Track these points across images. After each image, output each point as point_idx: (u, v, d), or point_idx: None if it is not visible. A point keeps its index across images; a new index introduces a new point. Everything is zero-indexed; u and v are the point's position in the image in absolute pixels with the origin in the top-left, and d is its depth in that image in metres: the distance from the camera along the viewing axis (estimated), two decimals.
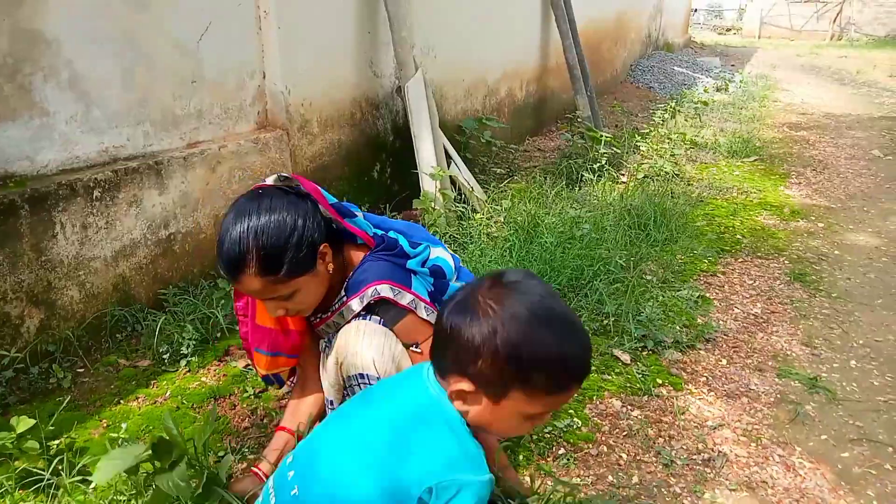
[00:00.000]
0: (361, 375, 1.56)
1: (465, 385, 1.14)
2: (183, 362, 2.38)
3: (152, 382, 2.30)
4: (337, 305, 1.62)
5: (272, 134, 3.14)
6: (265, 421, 2.10)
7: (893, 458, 2.06)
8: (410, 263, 1.61)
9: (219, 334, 2.55)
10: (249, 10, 2.99)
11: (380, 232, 1.65)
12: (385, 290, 1.53)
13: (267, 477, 1.67)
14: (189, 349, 2.41)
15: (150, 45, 2.57)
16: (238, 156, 2.95)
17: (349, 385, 1.61)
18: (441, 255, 1.72)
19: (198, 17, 2.74)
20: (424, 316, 1.56)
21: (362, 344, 1.54)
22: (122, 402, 2.19)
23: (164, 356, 2.39)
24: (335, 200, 1.61)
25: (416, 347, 1.58)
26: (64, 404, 2.04)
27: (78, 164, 2.40)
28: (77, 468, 1.79)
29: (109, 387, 2.27)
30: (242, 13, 2.95)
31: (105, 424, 2.06)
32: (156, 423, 2.06)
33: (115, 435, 1.98)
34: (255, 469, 1.73)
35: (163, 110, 2.67)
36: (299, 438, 1.75)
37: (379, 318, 1.58)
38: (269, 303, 1.51)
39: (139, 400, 2.20)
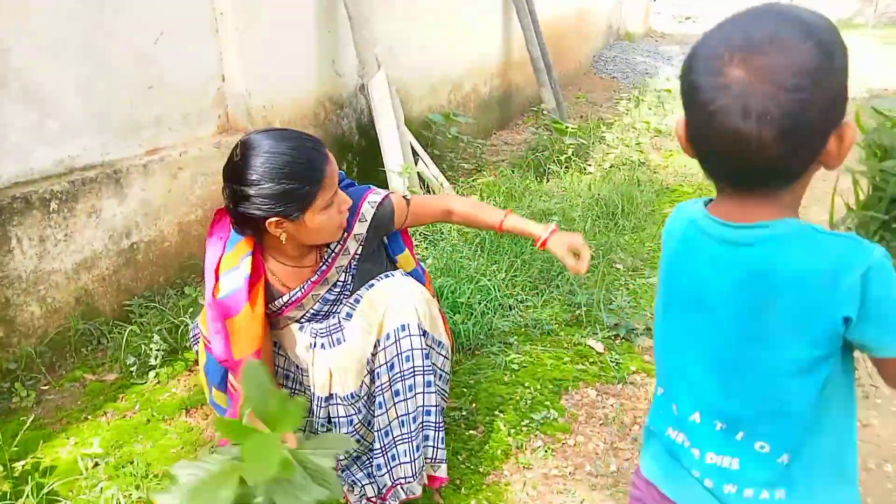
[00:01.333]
0: (403, 327, 1.56)
1: None
2: (152, 374, 2.33)
3: (120, 396, 2.24)
4: (339, 245, 1.64)
5: (234, 137, 3.08)
6: None
7: (861, 432, 2.11)
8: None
9: (187, 344, 2.50)
10: (205, 12, 2.93)
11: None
12: (376, 195, 1.70)
13: None
14: (157, 360, 2.36)
15: (106, 52, 2.50)
16: (200, 161, 2.89)
17: (386, 343, 1.56)
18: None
19: (153, 22, 2.68)
20: (394, 199, 1.73)
21: (401, 294, 1.60)
22: (89, 417, 2.13)
23: (132, 369, 2.33)
24: None
25: (408, 195, 1.79)
26: (28, 423, 1.98)
27: (33, 175, 2.33)
28: (45, 490, 1.73)
29: (76, 403, 2.21)
30: (198, 16, 2.89)
31: (73, 442, 2.01)
32: (126, 437, 2.01)
33: (87, 451, 1.93)
34: None
35: (120, 118, 2.60)
36: None
37: (399, 271, 1.73)
38: (331, 210, 1.54)
39: (108, 415, 2.15)
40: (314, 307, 1.68)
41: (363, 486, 1.69)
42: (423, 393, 1.60)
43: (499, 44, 6.28)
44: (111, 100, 2.55)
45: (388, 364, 1.57)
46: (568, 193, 4.11)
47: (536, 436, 2.04)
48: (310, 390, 1.70)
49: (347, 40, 3.77)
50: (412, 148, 3.98)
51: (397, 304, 1.57)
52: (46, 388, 2.27)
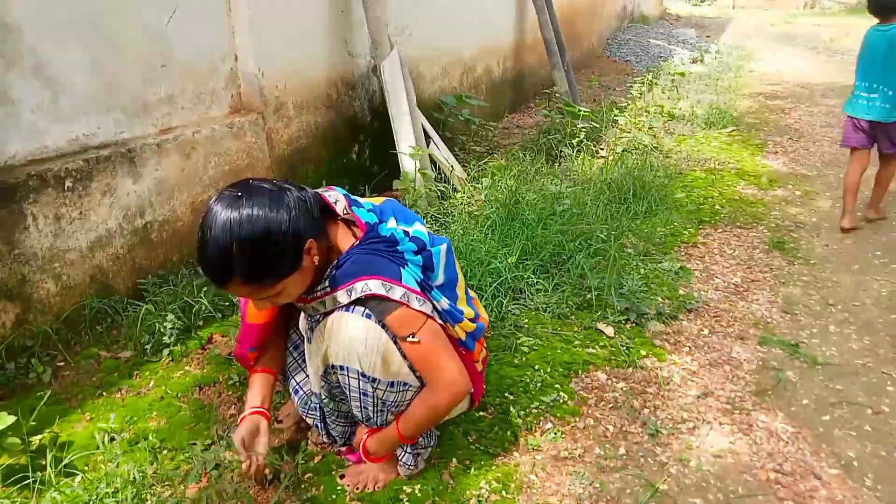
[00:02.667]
0: (342, 367, 1.54)
1: None
2: (165, 352, 2.35)
3: (135, 373, 2.27)
4: (320, 293, 1.54)
5: (247, 118, 3.08)
6: None
7: (872, 419, 2.11)
8: (403, 247, 1.55)
9: (201, 322, 2.52)
10: None
11: (374, 220, 1.57)
12: (375, 286, 1.46)
13: (268, 415, 1.71)
14: (171, 338, 2.38)
15: (117, 30, 2.50)
16: (213, 141, 2.89)
17: (332, 372, 1.59)
18: (420, 228, 1.68)
19: (165, 1, 2.67)
20: (417, 307, 1.50)
21: (344, 337, 1.50)
22: (104, 394, 2.16)
23: (146, 346, 2.36)
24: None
25: (412, 338, 1.51)
26: (45, 399, 2.01)
27: (47, 153, 2.34)
28: (62, 463, 1.76)
29: (91, 379, 2.24)
30: None
31: (88, 417, 2.04)
32: (141, 414, 2.04)
33: (103, 425, 1.96)
34: (259, 412, 1.70)
35: (133, 96, 2.61)
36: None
37: (364, 308, 1.51)
38: (256, 301, 1.48)
39: (122, 392, 2.18)
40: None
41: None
42: (360, 409, 1.63)
43: (512, 25, 6.22)
44: (123, 78, 2.56)
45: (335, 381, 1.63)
46: (580, 177, 4.09)
47: (546, 418, 2.05)
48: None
49: (360, 20, 3.75)
50: (424, 130, 3.97)
51: (340, 348, 1.52)
52: (62, 364, 2.30)
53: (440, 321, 1.59)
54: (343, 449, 1.83)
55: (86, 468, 1.80)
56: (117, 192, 2.51)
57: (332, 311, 1.55)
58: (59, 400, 2.11)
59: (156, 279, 2.65)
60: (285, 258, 1.39)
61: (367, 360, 1.51)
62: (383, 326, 1.52)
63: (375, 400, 1.58)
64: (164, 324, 2.39)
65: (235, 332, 2.35)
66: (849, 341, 2.56)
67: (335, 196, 1.60)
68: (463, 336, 1.67)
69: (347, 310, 1.52)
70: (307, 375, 1.81)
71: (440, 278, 1.63)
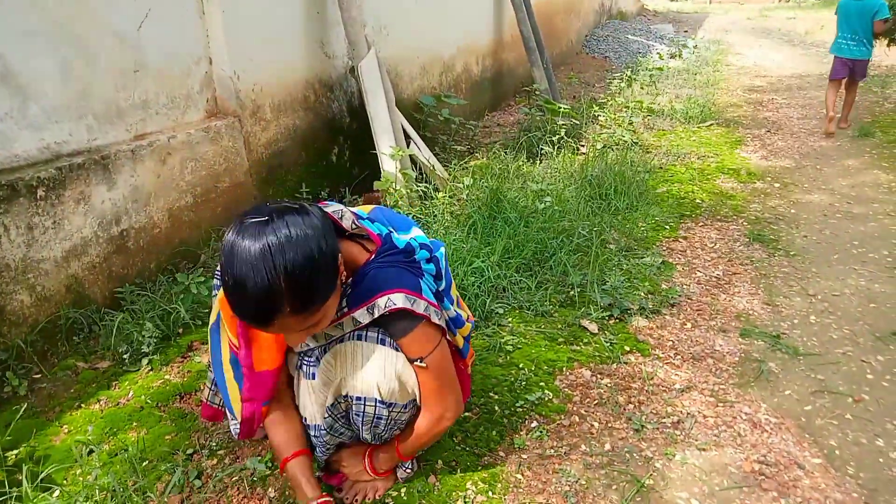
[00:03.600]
0: (359, 399, 1.48)
1: None
2: (144, 361, 2.32)
3: (114, 384, 2.23)
4: (337, 315, 1.42)
5: (224, 121, 3.05)
6: None
7: (853, 407, 2.13)
8: (419, 256, 1.49)
9: (180, 330, 2.49)
10: None
11: (385, 231, 1.50)
12: (400, 299, 1.39)
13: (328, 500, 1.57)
14: (150, 347, 2.34)
15: (88, 36, 2.46)
16: (189, 146, 2.85)
17: (344, 402, 1.52)
18: (415, 233, 1.63)
19: (136, 5, 2.63)
20: (436, 321, 1.45)
21: (363, 368, 1.44)
22: (83, 405, 2.12)
23: (125, 356, 2.32)
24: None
25: (420, 362, 1.47)
26: (21, 412, 1.97)
27: (18, 162, 2.29)
28: (39, 477, 1.73)
29: (69, 391, 2.19)
30: None
31: (66, 430, 2.00)
32: (120, 425, 2.01)
33: (81, 438, 1.92)
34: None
35: (105, 102, 2.57)
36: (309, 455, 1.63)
37: (378, 333, 1.45)
38: (294, 335, 1.35)
39: (101, 402, 2.14)
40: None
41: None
42: (371, 431, 1.60)
43: (490, 23, 6.22)
44: (95, 84, 2.51)
45: (344, 409, 1.57)
46: (561, 174, 4.09)
47: (531, 417, 2.05)
48: None
49: (336, 21, 3.73)
50: (404, 130, 3.95)
51: (357, 379, 1.45)
52: (38, 376, 2.25)
53: (448, 336, 1.57)
54: (321, 475, 1.74)
55: (64, 482, 1.77)
56: (91, 200, 2.47)
57: (340, 339, 1.47)
58: (35, 413, 2.07)
59: (133, 287, 2.61)
60: (328, 278, 1.26)
61: (385, 387, 1.47)
62: (396, 349, 1.47)
63: (389, 421, 1.56)
64: (143, 332, 2.36)
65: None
66: (829, 331, 2.59)
67: (339, 210, 1.47)
68: (461, 343, 1.67)
69: (360, 337, 1.45)
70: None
71: (443, 284, 1.60)
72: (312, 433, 1.61)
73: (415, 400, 1.55)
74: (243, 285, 1.17)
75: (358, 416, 1.54)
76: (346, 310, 1.43)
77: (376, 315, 1.41)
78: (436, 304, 1.48)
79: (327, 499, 1.57)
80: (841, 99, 5.74)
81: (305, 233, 1.21)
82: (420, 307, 1.42)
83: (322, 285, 1.25)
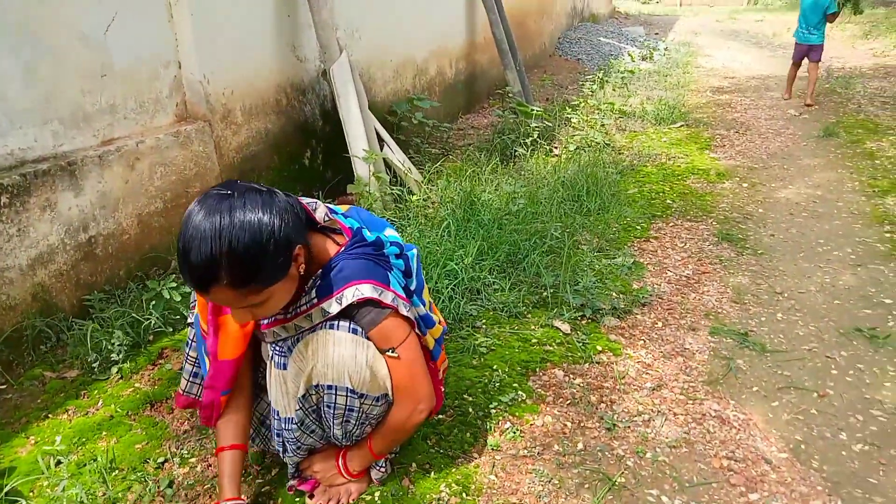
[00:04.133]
0: (330, 387, 1.48)
1: None
2: (114, 369, 2.28)
3: (82, 393, 2.20)
4: (305, 307, 1.46)
5: (193, 126, 3.02)
6: None
7: (818, 403, 2.18)
8: (389, 251, 1.51)
9: (151, 337, 2.46)
10: None
11: (357, 225, 1.51)
12: (367, 289, 1.41)
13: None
14: (120, 355, 2.31)
15: (52, 39, 2.42)
16: (158, 151, 2.82)
17: (316, 394, 1.51)
18: (392, 233, 1.64)
19: (102, 8, 2.59)
20: (405, 312, 1.47)
21: (334, 355, 1.44)
22: (50, 416, 2.08)
23: (94, 365, 2.29)
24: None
25: (391, 352, 1.48)
26: None
27: None
28: (4, 490, 1.70)
29: (36, 401, 2.15)
30: (151, 1, 2.81)
31: (33, 441, 1.96)
32: (89, 434, 1.98)
33: (48, 448, 1.89)
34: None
35: (72, 107, 2.53)
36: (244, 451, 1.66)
37: (349, 323, 1.46)
38: (237, 311, 1.36)
39: (69, 412, 2.10)
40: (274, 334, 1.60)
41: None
42: (342, 427, 1.58)
43: (463, 26, 6.24)
44: (61, 88, 2.47)
45: (316, 401, 1.55)
46: (534, 176, 4.12)
47: (505, 418, 2.06)
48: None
49: (308, 24, 3.71)
50: (377, 133, 3.95)
51: (328, 369, 1.45)
52: (4, 387, 2.21)
53: (417, 331, 1.57)
54: (294, 482, 1.73)
55: (31, 494, 1.73)
56: (58, 207, 2.43)
57: (312, 329, 1.47)
58: (0, 425, 2.03)
59: (102, 295, 2.57)
60: (275, 264, 1.29)
61: (357, 376, 1.46)
62: (368, 339, 1.48)
63: (361, 415, 1.55)
64: (112, 341, 2.33)
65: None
66: (795, 328, 2.65)
67: (313, 203, 1.52)
68: (431, 344, 1.67)
69: (332, 327, 1.46)
70: (268, 404, 1.76)
71: (413, 283, 1.61)
72: (284, 427, 1.60)
73: (387, 394, 1.54)
74: (188, 251, 1.23)
75: (329, 407, 1.52)
76: (315, 301, 1.45)
77: (344, 305, 1.42)
78: (404, 297, 1.49)
79: (240, 501, 1.59)
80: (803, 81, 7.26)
81: (260, 216, 1.25)
82: (387, 298, 1.44)
83: (266, 268, 1.28)
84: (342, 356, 1.45)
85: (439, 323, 1.72)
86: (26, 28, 2.33)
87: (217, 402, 1.60)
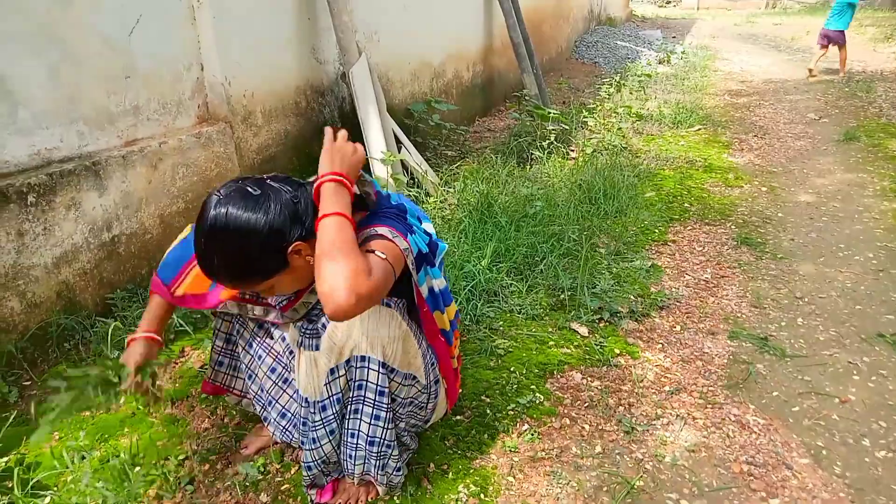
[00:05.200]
0: (363, 359, 1.50)
1: None
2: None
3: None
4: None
5: (215, 127, 3.05)
6: (225, 421, 2.06)
7: (840, 408, 2.15)
8: (410, 219, 1.55)
9: (172, 336, 2.49)
10: (181, 0, 2.89)
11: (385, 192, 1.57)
12: (384, 231, 1.44)
13: (153, 337, 1.65)
14: None
15: (76, 42, 2.46)
16: (180, 152, 2.86)
17: (348, 369, 1.51)
18: (425, 217, 1.69)
19: (126, 11, 2.63)
20: (410, 266, 1.46)
21: (369, 325, 1.49)
22: (73, 412, 2.11)
23: None
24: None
25: (380, 254, 1.38)
26: (11, 419, 1.96)
27: (8, 168, 2.29)
28: (30, 484, 1.72)
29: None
30: (174, 4, 2.85)
31: (57, 437, 2.00)
32: (111, 431, 2.00)
33: (72, 444, 1.92)
34: (148, 335, 1.65)
35: (96, 108, 2.57)
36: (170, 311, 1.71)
37: (385, 298, 1.49)
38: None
39: (92, 409, 2.13)
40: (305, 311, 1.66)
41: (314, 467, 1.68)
42: (369, 424, 1.58)
43: (480, 30, 6.25)
44: (85, 90, 2.51)
45: (345, 384, 1.56)
46: (551, 179, 4.12)
47: (522, 419, 2.06)
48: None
49: (328, 27, 3.74)
50: (395, 135, 3.97)
51: (363, 338, 1.49)
52: (28, 383, 2.24)
53: (425, 294, 1.57)
54: (313, 492, 1.72)
55: (56, 487, 1.76)
56: (82, 206, 2.47)
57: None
58: (25, 420, 2.06)
59: (124, 294, 2.60)
60: (265, 260, 1.36)
61: (390, 347, 1.51)
62: (402, 313, 1.52)
63: (389, 402, 1.55)
64: None
65: (207, 346, 2.32)
66: (816, 333, 2.62)
67: (365, 177, 1.55)
68: (447, 325, 1.69)
69: None
70: (292, 396, 1.78)
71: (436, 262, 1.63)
72: (311, 412, 1.59)
73: (415, 377, 1.57)
74: (196, 245, 1.37)
75: (360, 388, 1.53)
76: None
77: (361, 238, 1.41)
78: (414, 252, 1.49)
79: (154, 337, 1.66)
80: (825, 59, 8.80)
81: (249, 222, 1.32)
82: (400, 244, 1.43)
83: (255, 265, 1.36)
84: (377, 326, 1.49)
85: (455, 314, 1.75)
86: (52, 31, 2.37)
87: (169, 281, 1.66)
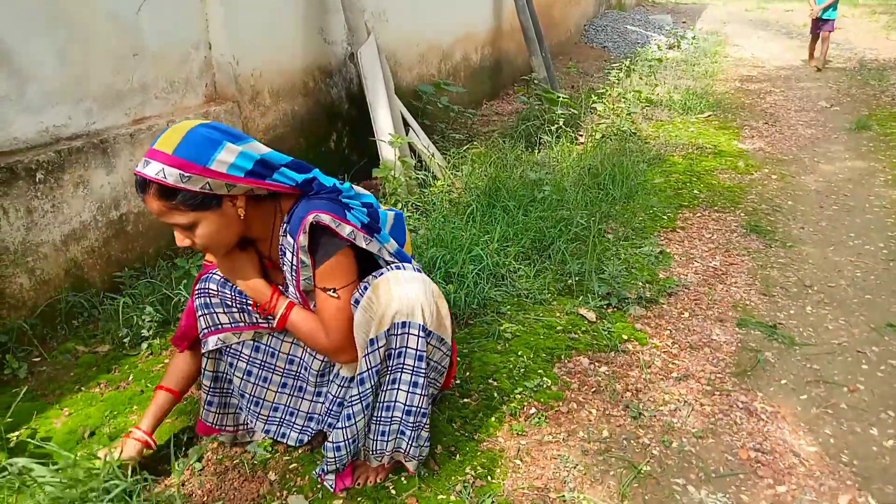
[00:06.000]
0: (404, 324, 1.51)
1: None
2: (144, 345, 2.32)
3: (114, 367, 2.24)
4: (282, 247, 1.57)
5: (222, 107, 3.04)
6: None
7: (848, 397, 2.15)
8: (343, 198, 1.56)
9: (180, 314, 2.49)
10: None
11: (304, 177, 1.54)
12: (326, 219, 1.48)
13: (148, 441, 1.72)
14: (150, 331, 2.35)
15: (85, 20, 2.44)
16: None
17: (385, 346, 1.53)
18: (361, 191, 1.67)
19: None
20: (364, 245, 1.54)
21: (408, 290, 1.51)
22: (83, 389, 2.12)
23: (125, 340, 2.33)
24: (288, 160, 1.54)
25: (332, 292, 1.53)
26: (21, 395, 1.97)
27: (17, 145, 2.28)
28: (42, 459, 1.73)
29: (69, 374, 2.20)
30: None
31: (67, 413, 2.01)
32: (121, 408, 2.01)
33: (81, 421, 1.93)
34: (136, 432, 1.71)
35: (104, 86, 2.55)
36: (178, 399, 1.79)
37: (412, 265, 1.59)
38: (176, 233, 1.49)
39: (101, 386, 2.14)
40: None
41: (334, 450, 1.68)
42: (407, 392, 1.58)
43: (489, 12, 6.19)
44: (93, 68, 2.50)
45: (385, 354, 1.56)
46: (559, 163, 4.09)
47: (530, 403, 2.06)
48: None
49: (336, 7, 3.71)
50: (403, 117, 3.94)
51: (403, 302, 1.51)
52: (38, 360, 2.25)
53: (389, 259, 1.59)
54: (331, 478, 1.71)
55: (66, 463, 1.77)
56: (91, 184, 2.46)
57: (380, 273, 1.56)
58: (35, 396, 2.08)
59: (132, 272, 2.61)
60: (198, 195, 1.40)
61: (427, 309, 1.53)
62: (320, 272, 1.54)
63: (426, 367, 1.56)
64: (143, 317, 2.36)
65: None
66: (825, 322, 2.61)
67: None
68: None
69: (398, 267, 1.56)
70: (312, 399, 1.79)
71: (388, 240, 1.64)
72: (349, 392, 1.61)
73: (441, 337, 1.59)
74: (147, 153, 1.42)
75: (399, 357, 1.54)
76: (289, 239, 1.53)
77: (307, 230, 1.48)
78: (364, 230, 1.53)
79: (148, 437, 1.72)
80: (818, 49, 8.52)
81: (200, 147, 1.37)
82: (345, 231, 1.50)
83: (188, 189, 1.38)
84: (415, 290, 1.53)
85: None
86: (60, 8, 2.35)
87: (188, 327, 1.75)
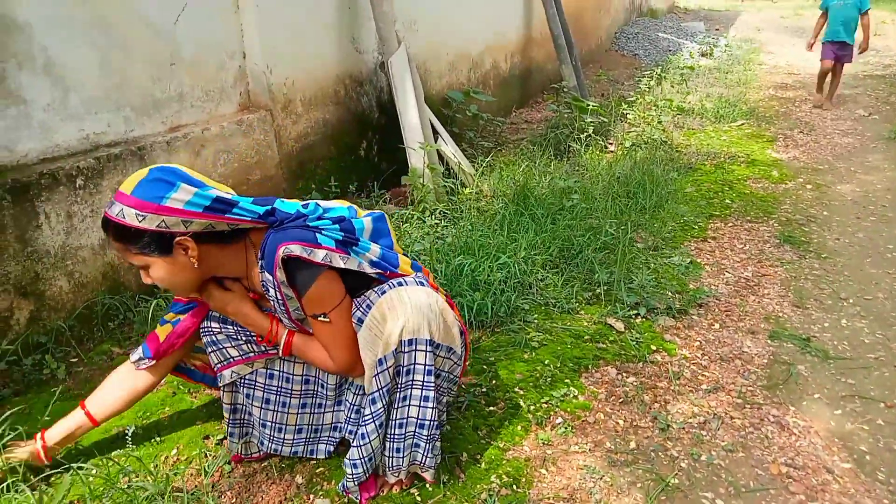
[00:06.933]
0: (411, 342, 1.52)
1: None
2: None
3: None
4: (262, 283, 1.57)
5: (256, 115, 3.09)
6: None
7: (885, 413, 2.09)
8: (310, 221, 1.55)
9: None
10: None
11: (265, 209, 1.53)
12: (296, 249, 1.48)
13: (49, 451, 1.70)
14: None
15: (125, 29, 2.51)
16: (222, 138, 2.90)
17: (397, 355, 1.53)
18: (332, 205, 1.68)
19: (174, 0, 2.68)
20: (342, 265, 1.53)
21: (413, 306, 1.52)
22: None
23: None
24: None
25: (323, 317, 1.55)
26: (58, 394, 2.03)
27: (59, 152, 2.36)
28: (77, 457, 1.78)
29: (104, 375, 2.24)
30: None
31: None
32: (153, 409, 2.06)
33: (116, 420, 1.97)
34: (38, 440, 1.72)
35: (142, 94, 2.62)
36: (94, 426, 1.76)
37: (415, 279, 1.60)
38: (140, 271, 1.53)
39: None
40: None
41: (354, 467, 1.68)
42: (419, 406, 1.59)
43: (519, 20, 6.20)
44: (132, 76, 2.57)
45: (394, 372, 1.57)
46: (589, 172, 4.08)
47: (556, 413, 2.05)
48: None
49: (367, 17, 3.75)
50: (432, 125, 3.97)
51: (409, 320, 1.52)
52: (75, 360, 2.32)
53: (373, 270, 1.59)
54: (356, 490, 1.70)
55: (101, 462, 1.81)
56: None
57: (382, 291, 1.58)
58: (72, 396, 2.13)
59: None
60: (149, 237, 1.42)
61: (434, 323, 1.54)
62: (305, 301, 1.54)
63: (435, 380, 1.57)
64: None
65: None
66: (861, 335, 2.55)
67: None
68: (409, 272, 1.68)
69: (401, 283, 1.58)
70: (334, 411, 1.81)
71: (370, 245, 1.63)
72: (364, 409, 1.61)
73: (449, 347, 1.59)
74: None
75: (409, 374, 1.55)
76: (266, 274, 1.53)
77: (279, 265, 1.48)
78: (338, 249, 1.53)
79: (44, 444, 1.70)
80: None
81: (155, 191, 1.39)
82: (318, 256, 1.50)
83: (140, 236, 1.42)
84: (419, 304, 1.53)
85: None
86: (102, 20, 2.42)
87: (170, 346, 1.75)
